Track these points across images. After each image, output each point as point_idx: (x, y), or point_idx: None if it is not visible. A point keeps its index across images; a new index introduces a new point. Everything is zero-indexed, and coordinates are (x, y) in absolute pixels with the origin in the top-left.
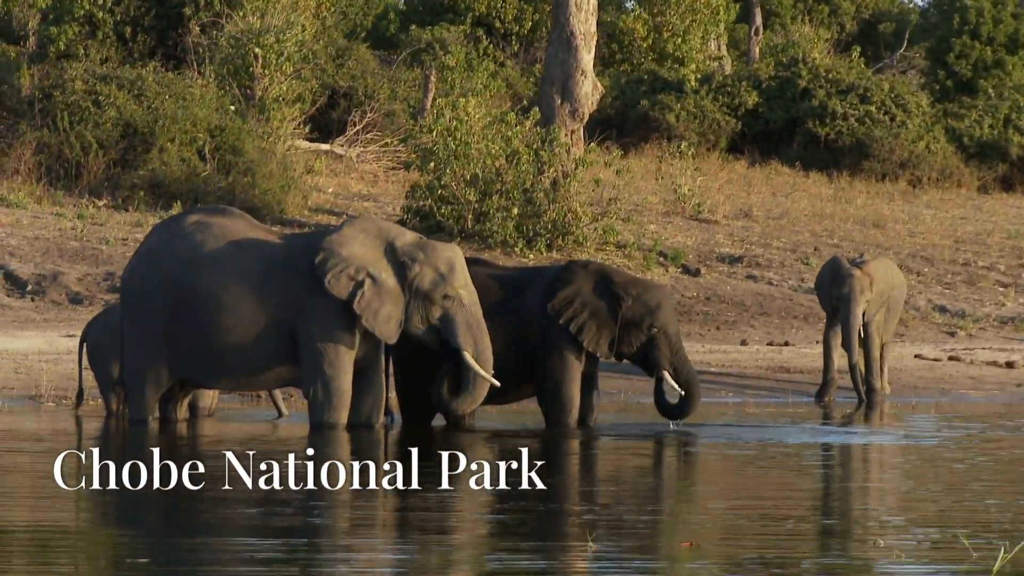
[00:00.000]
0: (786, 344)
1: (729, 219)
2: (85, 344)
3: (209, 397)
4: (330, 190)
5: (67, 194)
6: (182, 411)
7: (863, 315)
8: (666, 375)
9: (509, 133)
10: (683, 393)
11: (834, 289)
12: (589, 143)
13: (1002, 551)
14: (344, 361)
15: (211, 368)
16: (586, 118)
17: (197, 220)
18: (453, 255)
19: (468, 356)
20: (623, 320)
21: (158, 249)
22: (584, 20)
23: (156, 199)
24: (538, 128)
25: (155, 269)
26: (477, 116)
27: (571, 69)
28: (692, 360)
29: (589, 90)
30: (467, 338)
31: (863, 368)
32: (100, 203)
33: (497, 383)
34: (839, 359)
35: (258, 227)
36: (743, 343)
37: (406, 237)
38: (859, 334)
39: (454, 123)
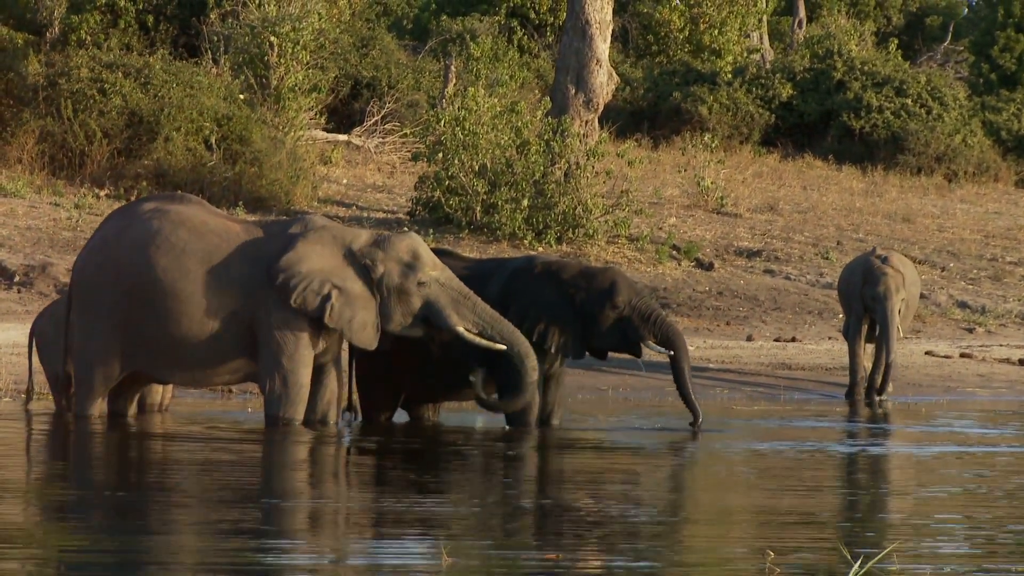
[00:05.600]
0: (792, 340)
1: (753, 213)
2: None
3: (158, 392)
4: (344, 181)
5: (68, 184)
6: (132, 407)
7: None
8: (650, 343)
9: (519, 123)
10: (670, 353)
11: (867, 289)
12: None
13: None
14: (304, 355)
15: (165, 361)
16: (600, 108)
17: (153, 207)
18: (412, 242)
19: (466, 333)
20: (584, 314)
21: (112, 237)
22: (600, 8)
23: (160, 189)
24: (550, 118)
25: (108, 257)
26: (486, 106)
27: (586, 58)
28: (692, 357)
29: (604, 80)
30: (458, 315)
31: (868, 365)
32: (101, 193)
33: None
34: (866, 358)
35: (217, 214)
36: (748, 339)
37: (362, 238)
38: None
39: (463, 113)
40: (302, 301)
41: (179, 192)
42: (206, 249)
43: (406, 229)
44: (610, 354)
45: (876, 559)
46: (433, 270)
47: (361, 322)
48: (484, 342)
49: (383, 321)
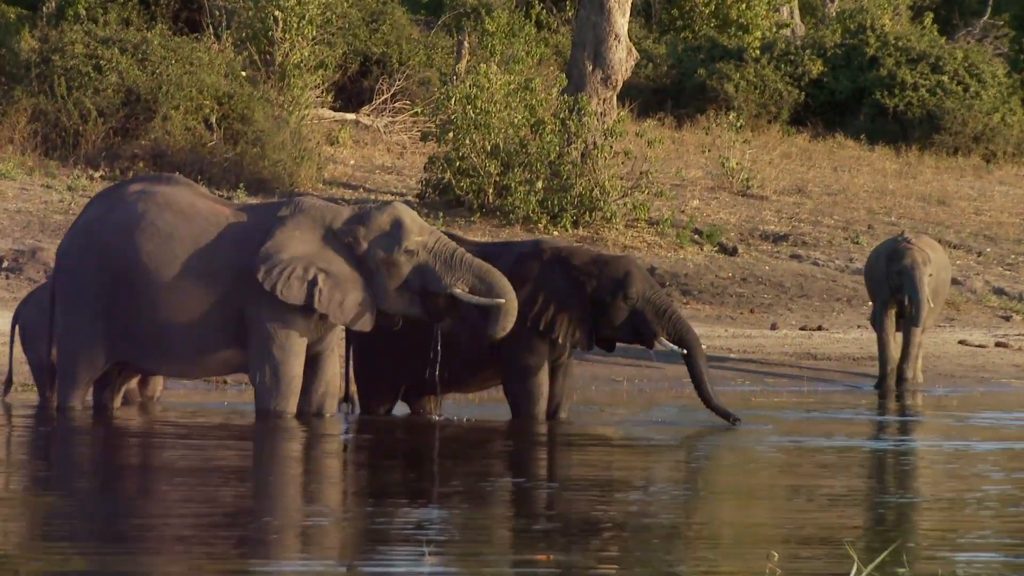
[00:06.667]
0: (819, 329)
1: (780, 195)
2: (18, 325)
3: (148, 383)
4: (352, 162)
5: (62, 165)
6: (118, 399)
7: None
8: (663, 339)
9: (534, 101)
10: (684, 352)
11: (892, 265)
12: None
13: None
14: (295, 344)
15: (151, 351)
16: (619, 86)
17: (139, 189)
18: (394, 211)
19: (463, 294)
20: (594, 303)
21: (96, 220)
22: None
23: (157, 170)
24: (566, 96)
25: (92, 242)
26: (499, 83)
27: (603, 33)
28: (712, 346)
29: (623, 56)
30: (452, 276)
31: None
32: (96, 174)
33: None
34: (896, 348)
35: (206, 196)
36: (772, 327)
37: (343, 215)
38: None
39: (474, 91)
40: (288, 291)
41: (167, 173)
42: (194, 233)
43: (392, 202)
44: (625, 343)
45: (876, 562)
46: (420, 236)
47: (353, 303)
48: (482, 300)
49: (377, 299)
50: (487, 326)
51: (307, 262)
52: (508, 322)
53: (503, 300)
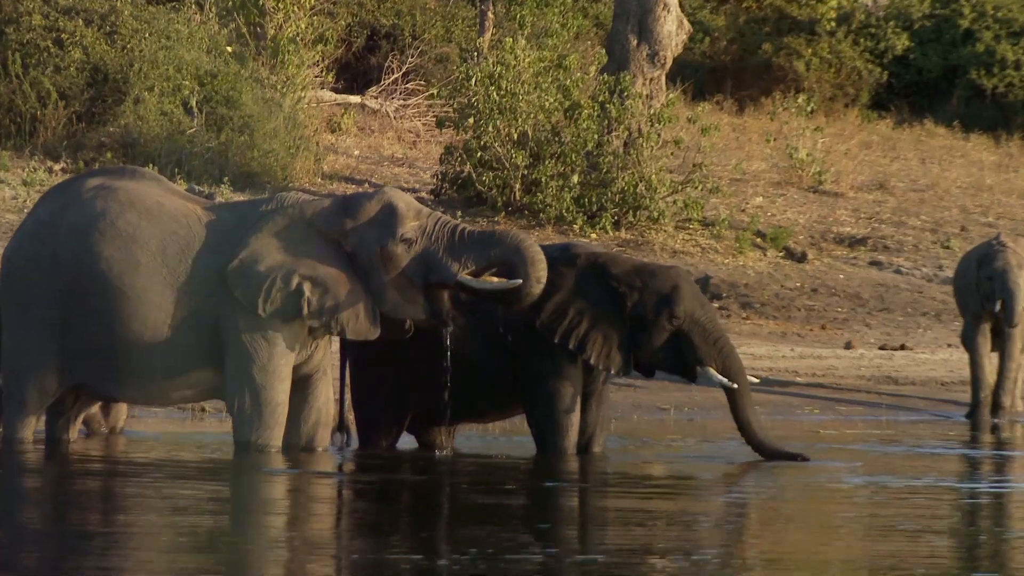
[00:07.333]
0: (901, 348)
1: (857, 191)
2: None
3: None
4: (356, 152)
5: (16, 155)
6: (74, 430)
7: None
8: (710, 370)
9: (568, 82)
10: (734, 386)
11: (984, 270)
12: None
13: None
14: (280, 366)
15: (112, 373)
16: (669, 63)
17: (98, 184)
18: (385, 196)
19: (473, 281)
20: (633, 320)
21: (48, 221)
22: None
23: (127, 161)
24: (606, 76)
25: (43, 246)
26: (528, 60)
27: (650, 2)
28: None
29: (673, 29)
30: (458, 262)
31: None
32: (56, 167)
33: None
34: (991, 371)
35: (176, 193)
36: (847, 346)
37: (325, 209)
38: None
39: (499, 69)
40: (271, 307)
41: (131, 166)
42: (161, 236)
43: (382, 187)
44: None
45: None
46: (416, 221)
47: (348, 310)
48: (496, 284)
49: (377, 302)
50: (512, 298)
51: (287, 270)
52: (534, 287)
53: (519, 280)
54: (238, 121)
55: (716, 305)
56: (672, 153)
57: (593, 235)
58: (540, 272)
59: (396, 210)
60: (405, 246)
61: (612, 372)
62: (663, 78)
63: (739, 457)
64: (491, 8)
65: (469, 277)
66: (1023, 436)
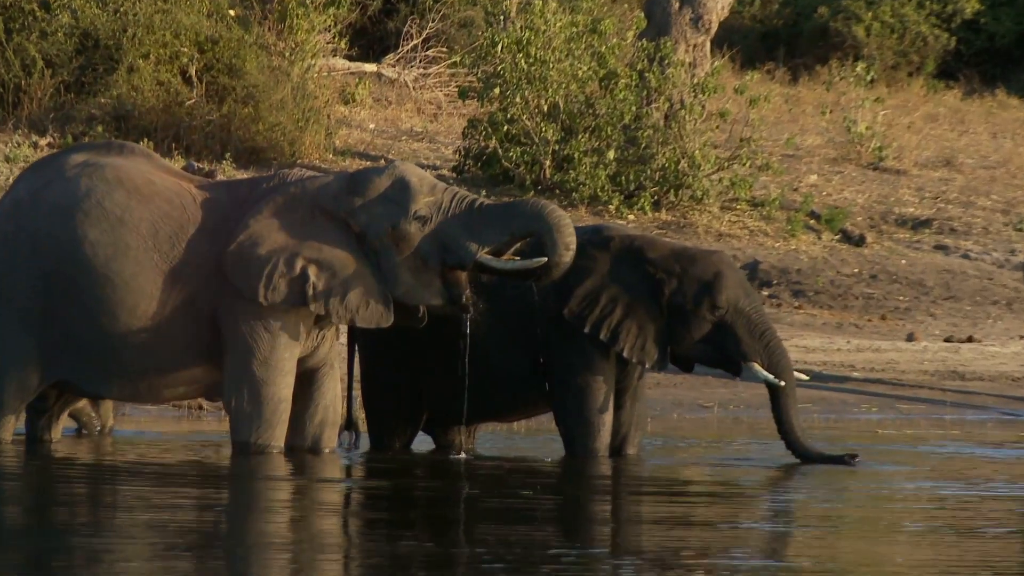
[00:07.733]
0: (969, 340)
1: (922, 169)
2: None
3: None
4: (371, 126)
5: None
6: (58, 429)
7: None
8: (754, 366)
9: (603, 48)
10: (781, 383)
11: None
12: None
13: None
14: (282, 359)
15: (98, 368)
16: (714, 29)
17: (83, 160)
18: (396, 171)
19: (493, 260)
20: (671, 309)
21: (28, 200)
22: None
23: (121, 135)
24: (645, 41)
25: (22, 228)
26: (559, 25)
27: None
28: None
29: None
30: (477, 240)
31: None
32: (42, 141)
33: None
34: None
35: (169, 170)
36: (909, 338)
37: (331, 186)
38: None
39: (527, 34)
40: (274, 295)
41: (119, 140)
42: (152, 218)
43: (393, 162)
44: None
45: None
46: (430, 196)
47: (358, 296)
48: (518, 264)
49: (389, 286)
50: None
51: (290, 254)
52: (563, 255)
53: (544, 259)
54: (241, 92)
55: (765, 293)
56: (717, 127)
57: (630, 216)
58: (568, 238)
59: (408, 185)
60: (419, 224)
61: (647, 366)
62: (708, 44)
63: (788, 459)
64: None
65: (489, 256)
66: None
